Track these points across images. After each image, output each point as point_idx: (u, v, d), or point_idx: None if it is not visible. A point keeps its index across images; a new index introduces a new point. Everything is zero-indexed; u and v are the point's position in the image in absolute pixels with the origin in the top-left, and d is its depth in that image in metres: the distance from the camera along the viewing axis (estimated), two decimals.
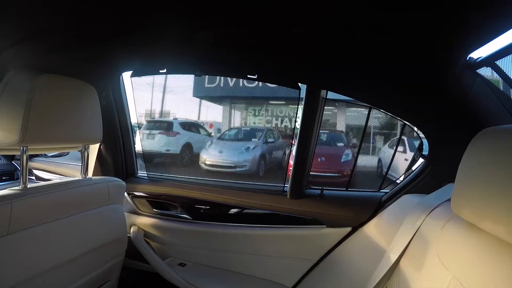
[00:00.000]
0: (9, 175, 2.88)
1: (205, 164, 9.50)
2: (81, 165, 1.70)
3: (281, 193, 1.96)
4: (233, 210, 1.97)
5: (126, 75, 2.10)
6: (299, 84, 1.78)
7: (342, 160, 8.03)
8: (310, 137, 1.83)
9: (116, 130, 2.14)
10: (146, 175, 2.32)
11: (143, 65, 1.97)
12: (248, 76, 1.79)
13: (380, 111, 1.76)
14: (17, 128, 1.17)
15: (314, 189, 1.98)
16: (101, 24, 1.33)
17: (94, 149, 2.07)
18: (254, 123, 15.86)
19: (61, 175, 2.69)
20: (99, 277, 1.64)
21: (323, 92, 1.78)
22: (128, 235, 1.83)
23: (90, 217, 1.50)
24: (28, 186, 1.29)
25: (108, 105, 1.98)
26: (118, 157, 2.19)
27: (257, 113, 16.06)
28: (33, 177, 2.85)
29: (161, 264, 1.99)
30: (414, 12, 0.98)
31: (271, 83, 1.98)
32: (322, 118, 1.85)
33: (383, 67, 1.42)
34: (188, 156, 10.51)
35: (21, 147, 1.25)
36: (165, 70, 1.89)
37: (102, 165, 2.15)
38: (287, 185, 1.94)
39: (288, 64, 1.65)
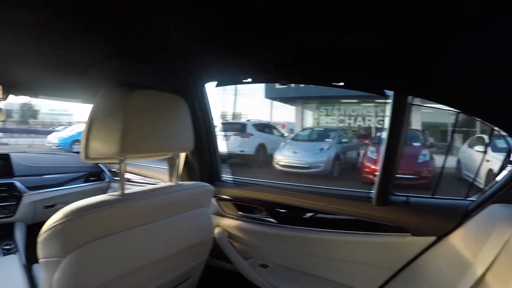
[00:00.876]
0: (96, 176, 3.09)
1: (279, 164, 9.55)
2: (171, 171, 1.79)
3: (366, 199, 1.89)
4: (316, 215, 1.94)
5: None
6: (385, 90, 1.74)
7: (418, 161, 7.67)
8: (397, 144, 1.76)
9: (202, 137, 2.19)
10: (231, 179, 2.36)
11: (227, 76, 2.02)
12: (333, 84, 1.78)
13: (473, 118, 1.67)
14: (116, 139, 1.23)
15: (398, 195, 1.89)
16: (184, 40, 1.38)
17: (181, 154, 2.12)
18: (327, 123, 15.75)
19: (146, 176, 2.81)
20: (183, 275, 1.69)
21: (409, 97, 1.71)
22: (212, 235, 1.84)
23: (180, 220, 1.55)
24: (125, 192, 1.35)
25: (194, 114, 2.02)
26: (205, 162, 2.25)
27: (329, 113, 15.95)
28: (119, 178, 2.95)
29: (244, 264, 2.02)
30: None
31: (356, 90, 1.90)
32: (408, 124, 1.77)
33: (474, 72, 1.34)
34: (262, 157, 10.58)
35: (119, 157, 1.32)
36: (249, 80, 1.91)
37: (189, 170, 2.22)
38: (372, 191, 1.87)
39: (374, 71, 1.62)
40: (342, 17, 1.04)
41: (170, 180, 1.78)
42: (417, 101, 1.73)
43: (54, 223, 1.18)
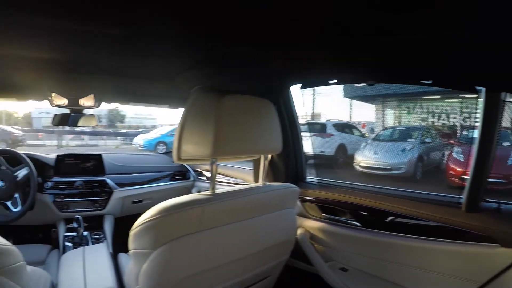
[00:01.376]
0: (181, 175, 3.29)
1: (360, 166, 9.30)
2: (256, 172, 1.91)
3: (455, 205, 1.77)
4: (400, 220, 1.85)
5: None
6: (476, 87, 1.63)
7: (508, 163, 6.91)
8: (490, 146, 1.65)
9: (288, 139, 2.21)
10: (315, 180, 2.35)
11: (312, 78, 2.02)
12: (422, 82, 1.69)
13: None
14: (209, 142, 1.29)
15: (489, 201, 1.75)
16: (270, 45, 1.41)
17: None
18: (408, 121, 15.08)
19: (229, 176, 2.90)
20: (262, 273, 1.72)
21: (502, 94, 1.58)
22: (295, 236, 1.87)
23: (266, 220, 1.58)
24: (216, 192, 1.40)
25: (280, 116, 2.03)
26: (290, 163, 2.26)
27: (411, 110, 15.25)
28: (204, 178, 3.17)
29: (324, 266, 2.01)
30: None
31: (445, 88, 1.85)
32: (501, 123, 1.64)
33: None
34: (342, 158, 10.39)
35: (211, 159, 1.37)
36: (335, 81, 1.89)
37: (274, 171, 2.25)
38: (462, 196, 1.74)
39: (464, 67, 1.53)
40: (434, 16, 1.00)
41: (255, 181, 1.86)
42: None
43: (148, 218, 1.27)
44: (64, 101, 2.28)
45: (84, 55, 1.76)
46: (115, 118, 25.48)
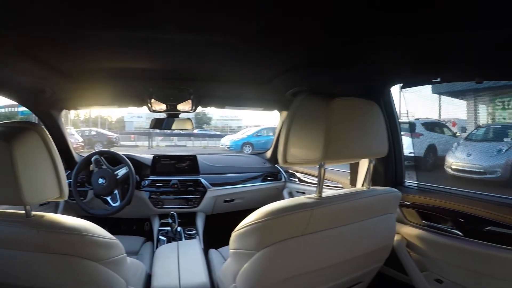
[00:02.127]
0: (273, 176, 3.32)
1: (451, 168, 8.66)
2: (353, 176, 1.87)
3: None
4: (507, 231, 1.65)
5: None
6: None
7: None
8: None
9: (388, 141, 2.11)
10: (415, 184, 2.23)
11: (413, 77, 1.96)
12: None
13: None
14: (319, 146, 1.28)
15: None
16: (373, 44, 1.42)
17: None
18: (503, 118, 13.82)
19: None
20: (355, 279, 1.69)
21: None
22: (392, 243, 1.79)
23: (368, 225, 1.54)
24: (322, 195, 1.39)
25: None
26: (390, 166, 2.18)
27: (506, 106, 14.00)
28: (296, 179, 3.17)
29: (419, 276, 1.90)
30: None
31: None
32: None
33: None
34: (432, 159, 9.83)
35: (320, 162, 1.36)
36: (438, 80, 1.82)
37: (373, 173, 2.12)
38: None
39: None
40: None
41: (352, 184, 1.83)
42: None
43: (255, 220, 1.30)
44: (163, 107, 2.43)
45: (183, 63, 1.85)
46: (202, 120, 26.34)
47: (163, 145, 18.66)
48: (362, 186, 1.68)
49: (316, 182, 1.42)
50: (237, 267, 1.42)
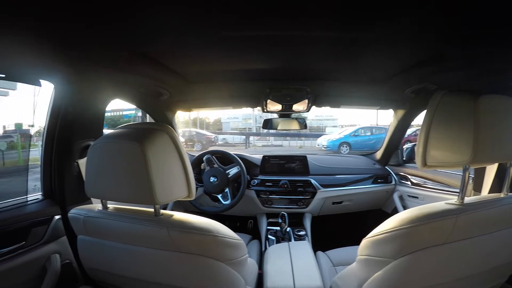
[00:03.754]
0: (384, 179, 3.17)
1: None
2: (478, 180, 1.76)
3: None
4: None
5: None
6: None
7: None
8: None
9: None
10: None
11: None
12: None
13: None
14: (466, 148, 1.18)
15: None
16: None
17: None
18: None
19: (429, 180, 2.74)
20: None
21: None
22: None
23: (507, 235, 1.39)
24: (464, 202, 1.29)
25: None
26: None
27: None
28: (408, 182, 2.99)
29: None
30: None
31: None
32: None
33: None
34: None
35: (465, 165, 1.26)
36: None
37: (500, 180, 1.95)
38: None
39: None
40: None
41: (475, 189, 1.71)
42: None
43: (395, 227, 1.22)
44: (278, 107, 2.43)
45: (302, 62, 1.83)
46: None
47: (260, 144, 19.07)
48: (501, 192, 1.52)
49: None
50: (365, 274, 1.36)
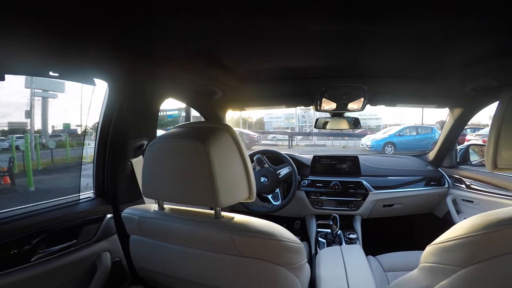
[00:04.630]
0: (437, 181, 3.05)
1: None
2: None
3: None
4: None
5: None
6: None
7: None
8: None
9: None
10: None
11: None
12: None
13: None
14: None
15: None
16: None
17: None
18: None
19: (493, 185, 2.59)
20: None
21: None
22: None
23: None
24: None
25: None
26: None
27: None
28: (463, 185, 2.87)
29: None
30: None
31: None
32: None
33: None
34: None
35: None
36: None
37: None
38: None
39: None
40: None
41: None
42: None
43: (468, 234, 1.15)
44: (332, 106, 2.40)
45: (360, 58, 1.80)
46: None
47: (302, 144, 19.00)
48: None
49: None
50: (428, 283, 1.29)
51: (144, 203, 1.78)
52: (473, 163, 2.99)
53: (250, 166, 1.31)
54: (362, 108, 2.48)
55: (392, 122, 25.24)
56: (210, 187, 1.15)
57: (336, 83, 2.22)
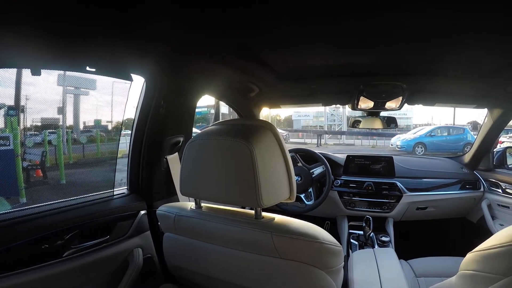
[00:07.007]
0: (472, 185, 2.98)
1: None
2: None
3: None
4: None
5: None
6: None
7: None
8: None
9: None
10: None
11: None
12: None
13: None
14: None
15: None
16: None
17: None
18: None
19: None
20: None
21: None
22: None
23: None
24: None
25: None
26: None
27: None
28: (499, 190, 2.79)
29: None
30: None
31: None
32: None
33: None
34: None
35: None
36: None
37: None
38: None
39: None
40: None
41: None
42: None
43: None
44: (370, 104, 2.37)
45: (401, 55, 1.78)
46: None
47: (331, 143, 18.88)
48: None
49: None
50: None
51: (178, 201, 1.80)
52: (510, 166, 2.91)
53: (291, 166, 1.28)
54: (400, 107, 2.43)
55: (422, 122, 24.77)
56: (253, 187, 1.12)
57: (375, 81, 2.19)
